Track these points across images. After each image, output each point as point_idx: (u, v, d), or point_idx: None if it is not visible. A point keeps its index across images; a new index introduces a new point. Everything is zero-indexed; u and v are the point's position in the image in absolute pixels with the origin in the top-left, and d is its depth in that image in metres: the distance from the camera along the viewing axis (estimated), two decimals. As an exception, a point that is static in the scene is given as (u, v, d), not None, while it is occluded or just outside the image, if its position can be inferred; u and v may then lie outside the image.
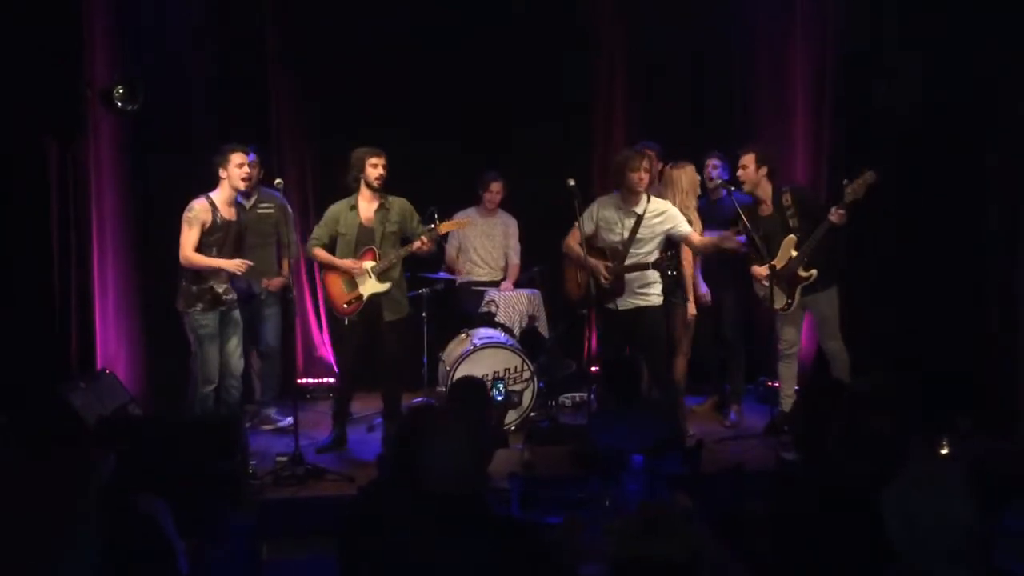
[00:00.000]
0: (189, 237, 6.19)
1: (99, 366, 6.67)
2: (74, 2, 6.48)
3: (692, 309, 6.83)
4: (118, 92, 6.35)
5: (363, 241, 6.58)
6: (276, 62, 7.98)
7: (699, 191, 6.92)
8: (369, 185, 6.49)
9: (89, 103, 6.55)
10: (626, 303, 6.39)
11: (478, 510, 2.91)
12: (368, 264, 6.54)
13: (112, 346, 6.88)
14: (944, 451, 5.67)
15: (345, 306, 6.59)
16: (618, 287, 6.35)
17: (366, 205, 6.58)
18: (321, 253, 6.63)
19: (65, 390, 5.90)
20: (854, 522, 2.98)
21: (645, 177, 6.27)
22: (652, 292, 6.42)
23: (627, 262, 6.31)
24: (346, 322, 6.62)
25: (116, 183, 6.92)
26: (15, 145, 6.26)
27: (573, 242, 6.44)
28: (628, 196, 6.33)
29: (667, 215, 6.36)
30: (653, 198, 6.39)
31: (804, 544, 3.20)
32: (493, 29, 8.07)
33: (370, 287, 6.56)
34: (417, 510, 2.82)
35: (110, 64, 6.74)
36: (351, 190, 6.60)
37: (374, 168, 6.47)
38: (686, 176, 6.82)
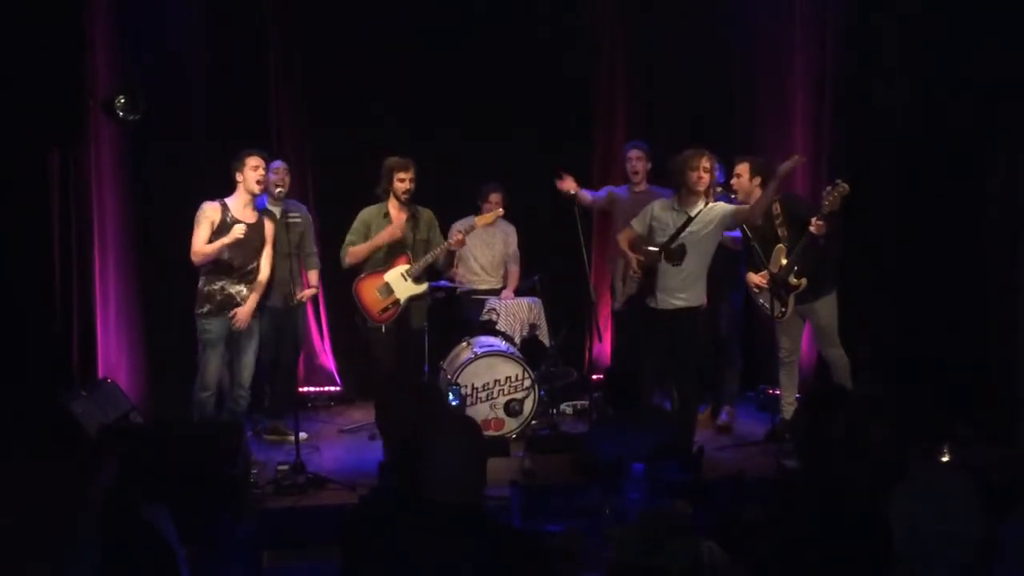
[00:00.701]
0: (198, 235, 6.21)
1: (100, 374, 6.69)
2: (75, 6, 6.49)
3: None
4: (119, 102, 6.34)
5: (395, 248, 6.71)
6: (276, 64, 7.96)
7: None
8: (397, 198, 6.61)
9: (91, 112, 6.55)
10: (665, 302, 6.17)
11: (479, 518, 2.93)
12: (404, 268, 6.63)
13: (113, 354, 6.89)
14: (945, 458, 5.68)
15: (381, 313, 6.62)
16: (649, 283, 6.15)
17: (396, 213, 6.68)
18: (358, 248, 6.69)
19: (66, 398, 5.92)
20: (855, 529, 2.98)
21: (705, 177, 6.02)
22: (690, 294, 6.17)
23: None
24: (383, 330, 6.62)
25: (117, 190, 6.94)
26: (16, 152, 6.26)
27: (620, 237, 6.41)
28: (687, 197, 6.08)
29: (714, 209, 6.09)
30: (712, 202, 6.13)
31: (806, 551, 3.20)
32: (493, 30, 8.08)
33: (407, 290, 6.65)
34: (419, 517, 2.83)
35: (111, 69, 6.76)
36: (380, 199, 6.69)
37: (401, 182, 6.59)
38: None
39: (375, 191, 6.80)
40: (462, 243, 6.73)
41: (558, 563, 3.77)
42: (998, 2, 6.60)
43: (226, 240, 6.16)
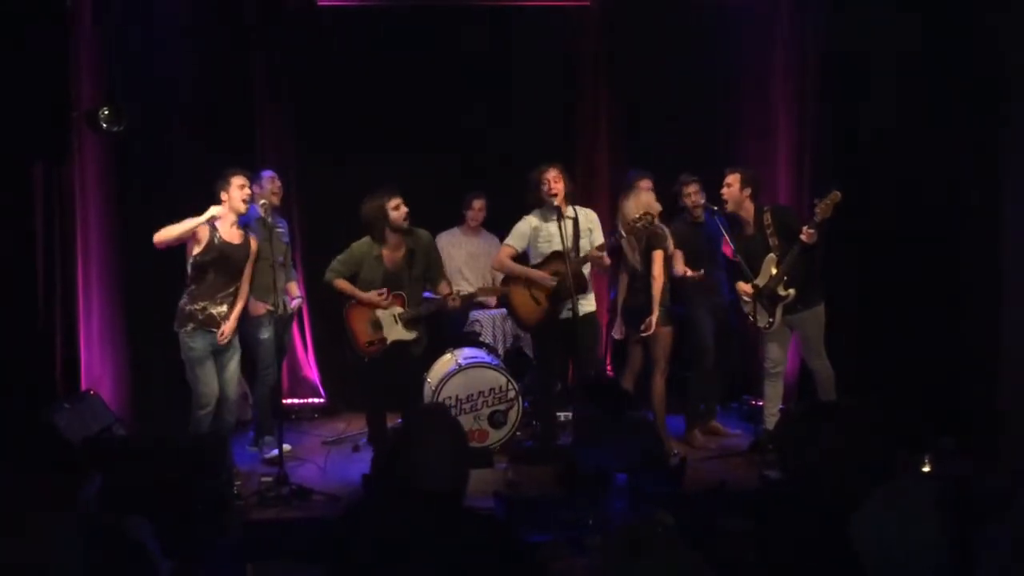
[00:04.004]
0: (172, 226, 6.06)
1: (83, 387, 6.66)
2: (61, 24, 6.49)
3: (652, 320, 6.62)
4: (103, 113, 6.36)
5: (391, 285, 6.53)
6: (262, 78, 7.99)
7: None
8: (398, 228, 6.42)
9: (75, 125, 6.55)
10: (578, 309, 6.41)
11: (463, 507, 3.01)
12: (397, 311, 6.51)
13: (96, 367, 6.86)
14: (926, 468, 5.72)
15: (367, 345, 6.53)
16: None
17: (391, 252, 6.52)
18: (343, 284, 6.54)
19: (49, 411, 5.90)
20: (838, 541, 3.00)
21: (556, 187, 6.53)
22: (589, 299, 6.60)
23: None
24: (366, 360, 6.55)
25: (101, 203, 6.92)
26: (0, 166, 6.26)
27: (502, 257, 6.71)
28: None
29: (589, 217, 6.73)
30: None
31: (787, 563, 3.22)
32: (479, 52, 8.11)
33: (397, 333, 6.53)
34: (404, 509, 2.88)
35: (96, 82, 6.76)
36: (378, 241, 6.51)
37: (396, 210, 6.38)
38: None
39: (369, 233, 6.52)
40: (458, 305, 6.60)
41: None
42: (975, 26, 6.68)
43: (199, 221, 6.04)
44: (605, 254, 6.45)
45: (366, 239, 6.55)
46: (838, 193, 6.26)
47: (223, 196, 6.25)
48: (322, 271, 6.74)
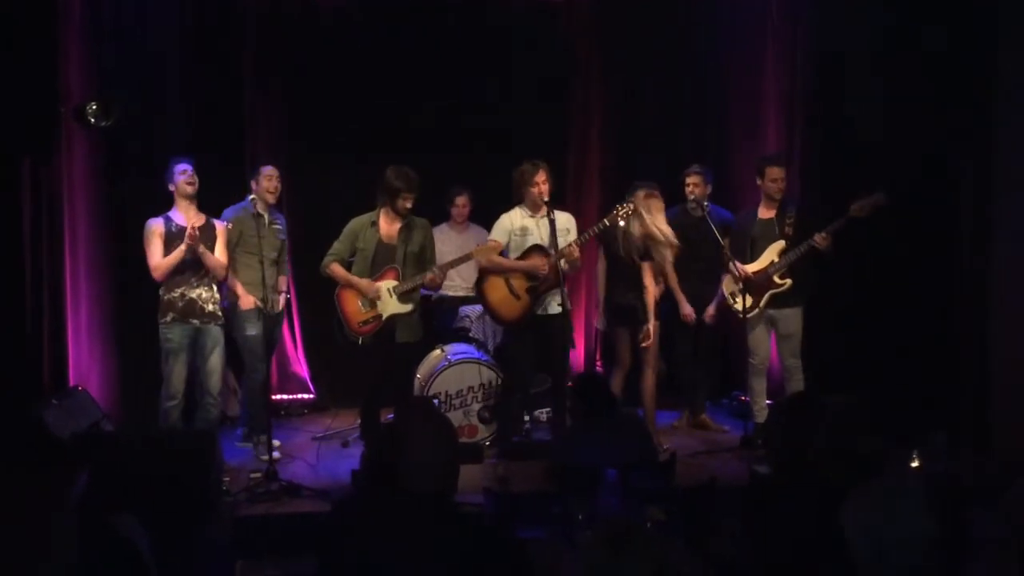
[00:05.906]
0: (152, 251, 6.24)
1: (72, 383, 6.65)
2: (49, 20, 6.46)
3: (650, 329, 6.68)
4: (91, 108, 6.33)
5: (382, 259, 6.46)
6: (252, 73, 7.93)
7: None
8: (398, 213, 6.43)
9: (63, 120, 6.53)
10: (545, 309, 6.48)
11: (453, 508, 3.01)
12: (390, 284, 6.42)
13: (85, 363, 6.86)
14: (915, 463, 5.74)
15: (361, 325, 6.44)
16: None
17: (388, 223, 6.48)
18: (338, 270, 6.47)
19: (37, 407, 5.87)
20: (827, 535, 3.01)
21: (544, 188, 6.45)
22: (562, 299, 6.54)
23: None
24: (360, 342, 6.47)
25: (89, 198, 6.92)
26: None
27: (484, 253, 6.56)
28: (534, 206, 6.54)
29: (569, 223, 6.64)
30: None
31: (778, 557, 3.22)
32: (471, 48, 8.09)
33: (391, 307, 6.43)
34: (393, 510, 2.87)
35: (84, 78, 6.74)
36: (375, 205, 6.52)
37: (404, 201, 6.37)
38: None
39: (376, 200, 6.53)
40: (439, 280, 6.56)
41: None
42: (964, 25, 6.70)
43: (182, 247, 6.18)
44: (576, 248, 6.40)
45: (364, 215, 6.55)
46: (882, 195, 6.34)
47: (170, 187, 6.34)
48: (313, 269, 6.72)
